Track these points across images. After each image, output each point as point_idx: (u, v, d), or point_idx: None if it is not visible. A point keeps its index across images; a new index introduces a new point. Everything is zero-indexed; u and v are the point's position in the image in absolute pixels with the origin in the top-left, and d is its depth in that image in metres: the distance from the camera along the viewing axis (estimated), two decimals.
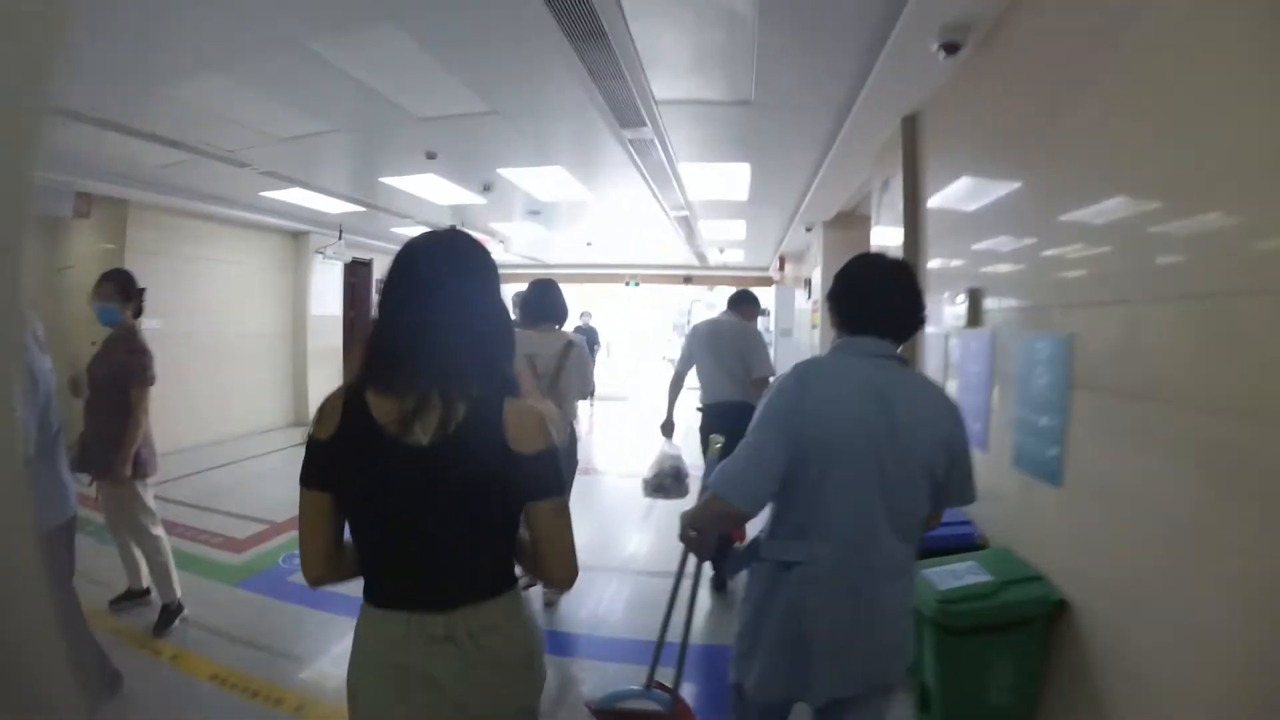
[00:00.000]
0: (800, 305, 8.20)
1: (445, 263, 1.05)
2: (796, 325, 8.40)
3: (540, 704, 1.16)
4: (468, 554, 1.04)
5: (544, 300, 3.00)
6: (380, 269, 9.70)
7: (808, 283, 7.93)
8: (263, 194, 6.05)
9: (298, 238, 8.07)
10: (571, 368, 2.87)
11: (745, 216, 7.09)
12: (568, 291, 3.19)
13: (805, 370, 1.35)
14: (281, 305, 8.11)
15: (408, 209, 6.78)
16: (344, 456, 1.01)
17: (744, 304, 3.77)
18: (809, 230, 6.72)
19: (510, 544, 1.09)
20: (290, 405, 8.22)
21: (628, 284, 12.47)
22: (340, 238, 8.25)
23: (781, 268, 9.37)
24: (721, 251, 10.16)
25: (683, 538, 1.45)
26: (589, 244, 9.22)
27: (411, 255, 1.06)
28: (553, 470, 1.05)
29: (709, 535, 1.43)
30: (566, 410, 2.90)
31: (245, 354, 7.40)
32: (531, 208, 6.59)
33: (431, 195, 6.02)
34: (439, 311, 1.02)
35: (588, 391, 3.07)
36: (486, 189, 5.62)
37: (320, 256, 8.24)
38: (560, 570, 1.08)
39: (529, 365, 2.74)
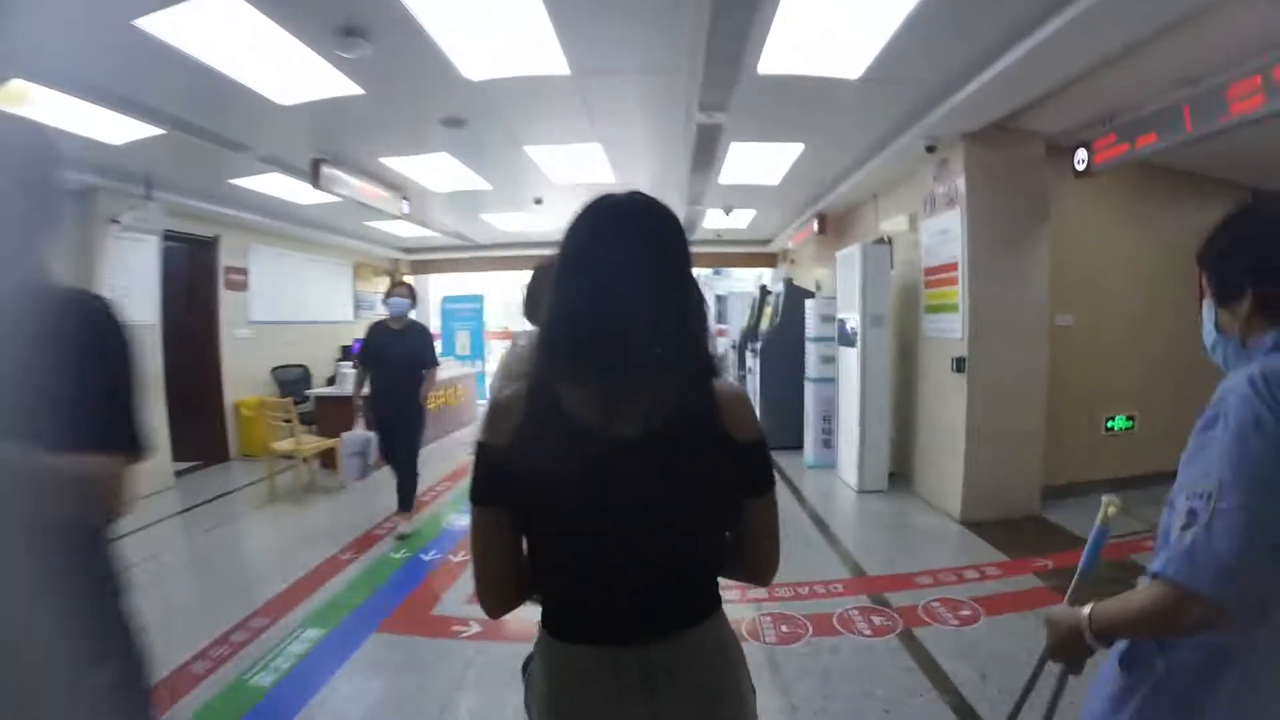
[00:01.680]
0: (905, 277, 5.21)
1: (639, 231, 0.90)
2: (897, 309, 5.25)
3: None
4: (683, 566, 0.91)
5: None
6: (232, 251, 6.55)
7: (888, 242, 5.35)
8: None
9: (79, 198, 4.82)
10: None
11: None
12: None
13: (1272, 376, 0.85)
14: None
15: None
16: (532, 461, 0.85)
17: None
18: (931, 150, 4.13)
19: (721, 551, 0.96)
20: None
21: None
22: (148, 194, 5.06)
23: (823, 230, 6.79)
24: (728, 213, 7.66)
25: (1066, 653, 1.03)
26: (538, 200, 6.37)
27: (597, 222, 0.91)
28: (769, 459, 0.95)
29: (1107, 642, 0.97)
30: None
31: None
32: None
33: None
34: (638, 286, 0.86)
35: None
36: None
37: (116, 227, 5.01)
38: (770, 570, 0.99)
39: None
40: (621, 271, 0.86)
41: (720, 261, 11.16)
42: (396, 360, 4.07)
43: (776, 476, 1.01)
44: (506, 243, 9.42)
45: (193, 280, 6.22)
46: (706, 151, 4.50)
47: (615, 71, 3.38)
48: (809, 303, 6.03)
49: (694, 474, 0.88)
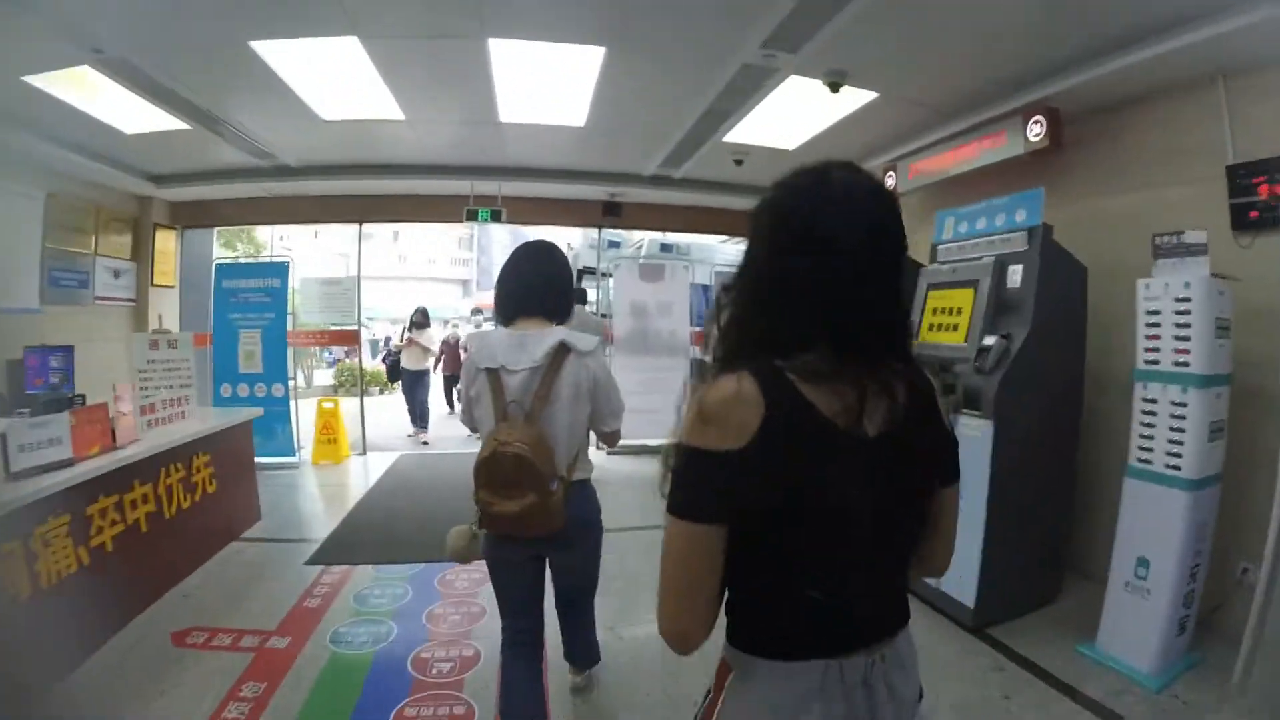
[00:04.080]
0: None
1: (881, 211, 0.83)
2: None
3: None
4: (902, 570, 0.91)
5: (529, 276, 1.92)
6: None
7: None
8: None
9: None
10: (571, 389, 1.80)
11: None
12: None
13: None
14: None
15: None
16: (776, 466, 0.76)
17: None
18: None
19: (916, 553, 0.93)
20: None
21: (477, 218, 6.26)
22: None
23: (1055, 138, 3.64)
24: (740, 164, 5.42)
25: None
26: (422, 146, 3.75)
27: (835, 197, 0.81)
28: (958, 444, 0.94)
29: None
30: (563, 469, 1.80)
31: None
32: None
33: None
34: (882, 271, 0.82)
35: (611, 432, 1.96)
36: None
37: None
38: (949, 558, 0.97)
39: (491, 383, 1.78)
40: (888, 257, 0.83)
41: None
42: None
43: None
44: (353, 167, 5.87)
45: None
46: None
47: None
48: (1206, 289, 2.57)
49: (924, 469, 0.87)
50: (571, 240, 11.18)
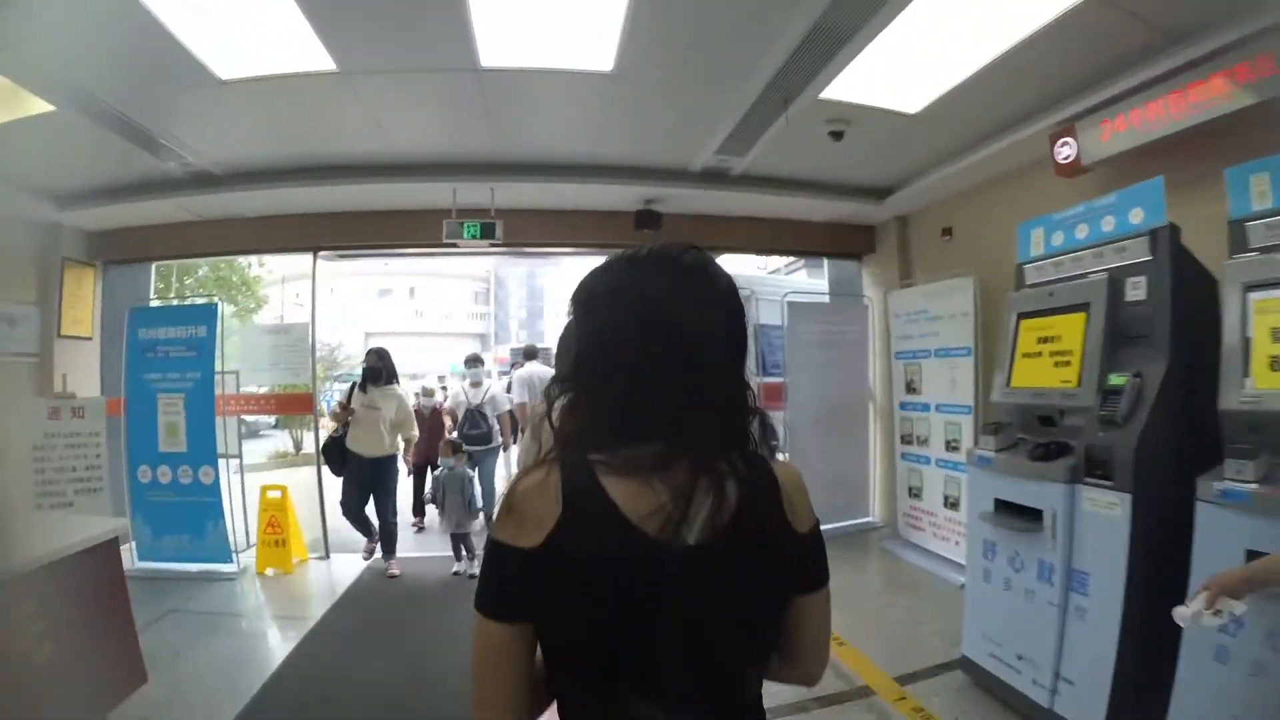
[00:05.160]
0: None
1: (705, 289, 0.78)
2: None
3: None
4: (734, 691, 0.79)
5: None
6: None
7: None
8: None
9: None
10: None
11: None
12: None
13: None
14: None
15: None
16: (568, 568, 0.71)
17: None
18: None
19: (768, 657, 0.83)
20: None
21: (464, 229, 4.55)
22: None
23: None
24: (839, 137, 3.72)
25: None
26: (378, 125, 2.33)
27: (651, 277, 0.78)
28: (824, 548, 0.85)
29: None
30: None
31: None
32: None
33: None
34: (702, 358, 0.75)
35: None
36: None
37: None
38: (822, 667, 0.89)
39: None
40: (713, 342, 0.76)
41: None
42: None
43: None
44: (288, 173, 4.29)
45: None
46: None
47: None
48: None
49: (755, 578, 0.77)
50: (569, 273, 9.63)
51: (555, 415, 0.79)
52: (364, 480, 4.65)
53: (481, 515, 4.81)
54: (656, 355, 0.74)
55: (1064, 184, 3.57)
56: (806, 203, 4.95)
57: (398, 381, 4.91)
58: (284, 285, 31.69)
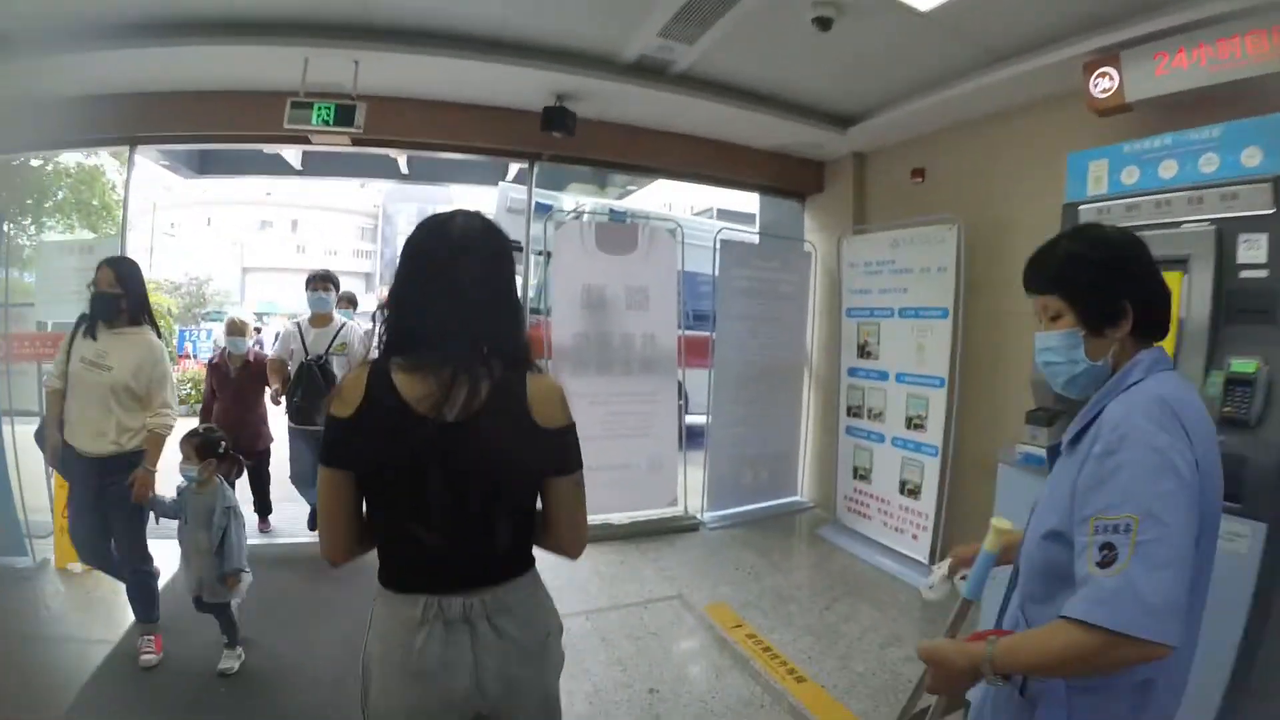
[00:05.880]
0: None
1: (464, 243, 1.08)
2: None
3: (558, 687, 1.19)
4: (490, 533, 1.08)
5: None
6: None
7: None
8: None
9: None
10: None
11: None
12: None
13: (1174, 402, 0.92)
14: None
15: None
16: (368, 434, 1.03)
17: None
18: None
19: (530, 523, 1.14)
20: None
21: (314, 112, 3.20)
22: None
23: None
24: (827, 26, 2.72)
25: (952, 688, 1.03)
26: None
27: (430, 236, 1.09)
28: (576, 445, 1.12)
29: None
30: None
31: None
32: None
33: None
34: (462, 292, 1.05)
35: None
36: None
37: None
38: (573, 541, 1.16)
39: None
40: (450, 281, 1.05)
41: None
42: None
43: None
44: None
45: None
46: None
47: None
48: None
49: (497, 454, 1.04)
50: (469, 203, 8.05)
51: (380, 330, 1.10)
52: (89, 496, 2.54)
53: (245, 578, 2.53)
54: (431, 295, 1.05)
55: (1080, 125, 2.95)
56: (754, 122, 4.03)
57: (150, 319, 2.65)
58: (155, 213, 26.20)
